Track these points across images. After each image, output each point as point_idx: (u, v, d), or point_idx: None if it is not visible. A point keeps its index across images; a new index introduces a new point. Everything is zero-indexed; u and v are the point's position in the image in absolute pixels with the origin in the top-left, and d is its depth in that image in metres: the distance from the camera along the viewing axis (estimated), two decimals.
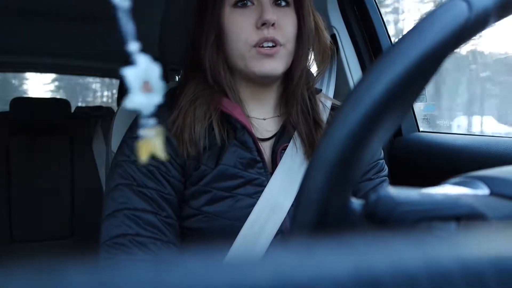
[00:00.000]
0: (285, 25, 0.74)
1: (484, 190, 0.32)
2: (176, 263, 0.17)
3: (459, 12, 0.28)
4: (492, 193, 0.31)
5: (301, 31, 0.77)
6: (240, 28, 0.72)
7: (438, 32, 0.28)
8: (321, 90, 0.87)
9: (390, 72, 0.27)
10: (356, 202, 0.30)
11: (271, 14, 0.71)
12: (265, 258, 0.18)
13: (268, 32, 0.71)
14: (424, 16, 0.29)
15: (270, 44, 0.72)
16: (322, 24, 0.81)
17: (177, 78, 0.99)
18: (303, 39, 0.77)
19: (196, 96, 0.75)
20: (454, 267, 0.17)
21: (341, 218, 0.29)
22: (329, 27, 1.27)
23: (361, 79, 0.28)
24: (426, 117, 1.34)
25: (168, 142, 0.73)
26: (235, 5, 0.73)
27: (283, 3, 0.75)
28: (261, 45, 0.71)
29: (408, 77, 0.27)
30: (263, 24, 0.71)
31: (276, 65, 0.73)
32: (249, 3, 0.73)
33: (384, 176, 0.85)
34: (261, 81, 0.77)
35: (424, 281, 0.17)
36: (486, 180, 0.32)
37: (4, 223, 1.87)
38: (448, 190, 0.32)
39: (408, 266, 0.17)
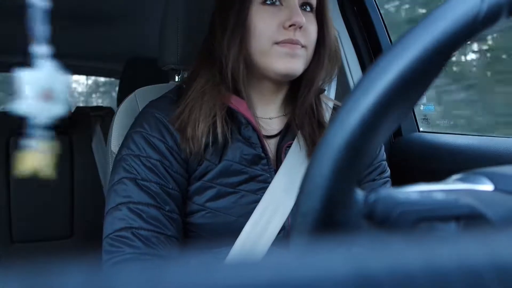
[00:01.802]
0: (309, 30, 0.75)
1: (488, 186, 0.32)
2: (177, 262, 0.17)
3: (472, 3, 0.28)
4: (496, 189, 0.31)
5: (323, 37, 0.78)
6: (267, 25, 0.73)
7: (450, 22, 0.28)
8: (324, 90, 0.87)
9: (403, 59, 0.27)
10: (360, 193, 0.29)
11: (302, 17, 0.72)
12: (266, 258, 0.18)
13: (295, 35, 0.72)
14: (439, 5, 0.29)
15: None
16: (336, 35, 0.82)
17: (177, 78, 0.99)
18: (325, 46, 0.78)
19: (204, 92, 0.75)
20: (454, 267, 0.17)
21: (345, 207, 0.28)
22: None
23: (373, 65, 0.28)
24: (426, 117, 1.34)
25: (171, 137, 0.73)
26: (263, 3, 0.74)
27: (308, 8, 0.76)
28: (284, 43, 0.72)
29: (420, 65, 0.27)
30: (291, 25, 0.71)
31: (297, 65, 0.73)
32: (277, 3, 0.74)
33: (387, 177, 0.86)
34: (278, 79, 0.77)
35: (423, 281, 0.17)
36: (490, 176, 0.32)
37: (4, 223, 1.87)
38: (452, 185, 0.32)
39: (408, 266, 0.17)
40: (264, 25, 0.73)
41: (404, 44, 0.28)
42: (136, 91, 0.93)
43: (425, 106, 1.31)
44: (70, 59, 2.55)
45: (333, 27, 0.80)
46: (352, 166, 0.28)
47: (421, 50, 0.27)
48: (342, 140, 0.27)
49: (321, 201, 0.27)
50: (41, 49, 0.22)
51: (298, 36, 0.72)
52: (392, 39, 1.31)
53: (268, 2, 0.74)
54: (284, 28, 0.72)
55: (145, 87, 0.94)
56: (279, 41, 0.72)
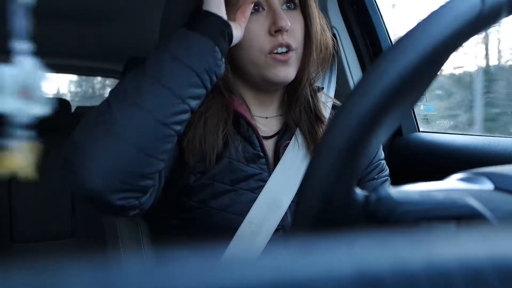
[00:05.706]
0: (296, 29, 0.74)
1: (488, 185, 0.32)
2: (175, 261, 0.17)
3: (473, 4, 0.28)
4: (496, 188, 0.31)
5: (309, 33, 0.77)
6: (253, 35, 0.72)
7: (450, 23, 0.28)
8: (323, 88, 0.87)
9: (402, 60, 0.27)
10: (359, 193, 0.29)
11: (286, 20, 0.71)
12: (265, 256, 0.18)
13: (283, 38, 0.71)
14: (439, 6, 0.29)
15: (284, 49, 0.72)
16: (324, 24, 0.82)
17: None
18: (311, 41, 0.77)
19: (207, 106, 0.74)
20: (454, 267, 0.17)
21: (345, 207, 0.28)
22: (329, 27, 1.27)
23: (372, 67, 0.28)
24: (426, 117, 1.34)
25: None
26: None
27: (292, 6, 0.76)
28: (275, 52, 0.72)
29: (419, 66, 0.27)
30: (277, 30, 0.71)
31: (290, 72, 0.74)
32: (260, 9, 0.73)
33: (386, 176, 0.86)
34: (271, 87, 0.77)
35: (424, 281, 0.17)
36: (491, 176, 0.32)
37: (5, 223, 1.87)
38: (453, 185, 0.33)
39: (408, 266, 0.17)
40: (250, 35, 0.72)
41: (404, 44, 0.28)
42: None
43: (425, 106, 1.31)
44: (70, 59, 2.55)
45: (318, 19, 0.80)
46: (351, 166, 0.28)
47: (422, 49, 0.27)
48: (341, 141, 0.27)
49: (320, 200, 0.27)
50: (21, 46, 0.21)
51: (286, 38, 0.72)
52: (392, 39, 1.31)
53: (251, 11, 0.73)
54: (271, 34, 0.72)
55: None
56: (270, 50, 0.72)
